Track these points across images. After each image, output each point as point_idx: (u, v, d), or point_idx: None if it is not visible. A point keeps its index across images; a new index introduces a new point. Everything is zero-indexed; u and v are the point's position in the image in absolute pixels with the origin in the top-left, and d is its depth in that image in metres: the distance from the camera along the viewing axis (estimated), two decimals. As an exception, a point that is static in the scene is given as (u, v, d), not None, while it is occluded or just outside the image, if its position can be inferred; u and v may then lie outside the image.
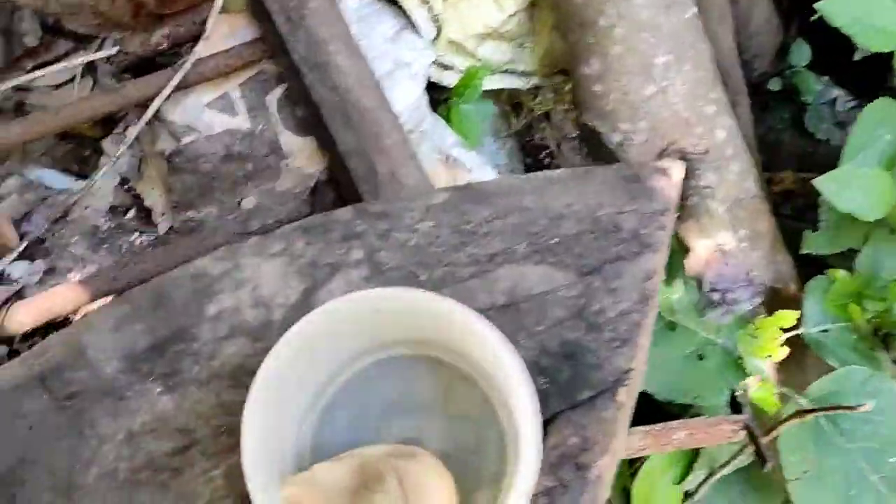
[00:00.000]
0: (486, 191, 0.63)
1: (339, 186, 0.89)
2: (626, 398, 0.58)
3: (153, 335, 0.61)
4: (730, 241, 0.82)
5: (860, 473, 0.85)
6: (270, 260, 0.63)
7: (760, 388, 0.94)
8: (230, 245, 0.63)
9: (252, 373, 0.59)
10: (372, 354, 0.59)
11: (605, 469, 0.57)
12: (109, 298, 0.86)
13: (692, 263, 0.84)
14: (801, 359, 1.02)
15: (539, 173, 0.63)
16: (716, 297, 0.83)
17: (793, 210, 1.13)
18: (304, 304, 0.61)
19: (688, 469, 0.89)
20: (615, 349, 0.59)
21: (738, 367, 0.94)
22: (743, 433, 0.83)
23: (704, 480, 0.91)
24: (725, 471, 0.88)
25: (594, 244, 0.61)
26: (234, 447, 0.58)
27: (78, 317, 0.87)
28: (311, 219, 0.64)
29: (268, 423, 0.53)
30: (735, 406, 0.94)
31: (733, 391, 0.86)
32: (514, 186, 0.63)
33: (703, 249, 0.82)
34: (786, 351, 0.93)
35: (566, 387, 0.58)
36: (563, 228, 0.62)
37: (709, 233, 0.83)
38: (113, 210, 0.93)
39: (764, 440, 0.78)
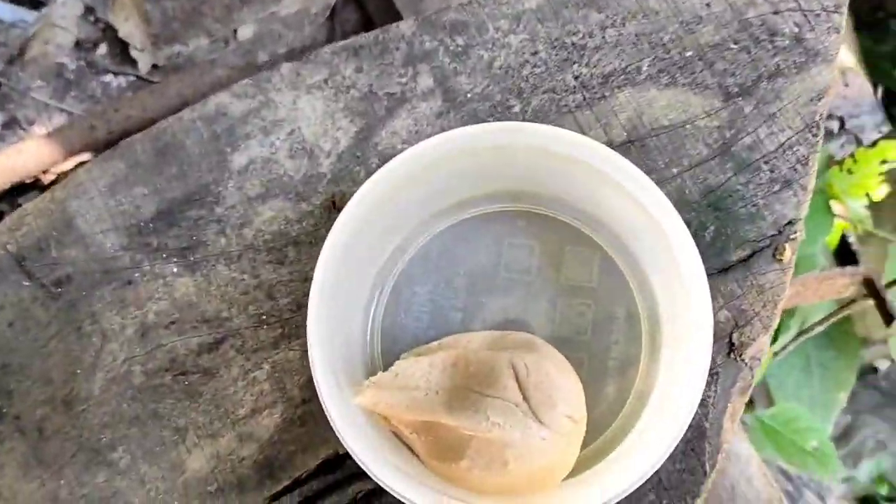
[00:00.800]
0: (596, -11, 0.47)
1: (365, 6, 0.72)
2: (792, 256, 0.45)
3: (161, 198, 0.46)
4: (848, 56, 0.67)
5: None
6: (310, 93, 0.47)
7: (852, 230, 0.82)
8: (255, 76, 0.47)
9: (296, 243, 0.45)
10: (457, 212, 0.45)
11: (763, 348, 0.45)
12: (89, 155, 0.70)
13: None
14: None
15: (663, -37, 0.47)
16: (834, 125, 0.69)
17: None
18: (359, 150, 0.46)
19: (777, 330, 0.78)
20: (775, 193, 0.45)
21: (831, 210, 0.82)
22: (852, 290, 0.72)
23: (792, 340, 0.80)
24: (819, 328, 0.78)
25: (743, 56, 0.46)
26: (280, 341, 0.44)
27: (50, 178, 0.71)
28: (361, 37, 0.47)
29: (335, 309, 0.39)
30: (839, 256, 0.83)
31: (844, 236, 0.74)
32: (632, -19, 0.47)
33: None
34: (886, 189, 0.80)
35: (713, 246, 0.45)
36: (700, 37, 0.46)
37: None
38: (80, 45, 0.75)
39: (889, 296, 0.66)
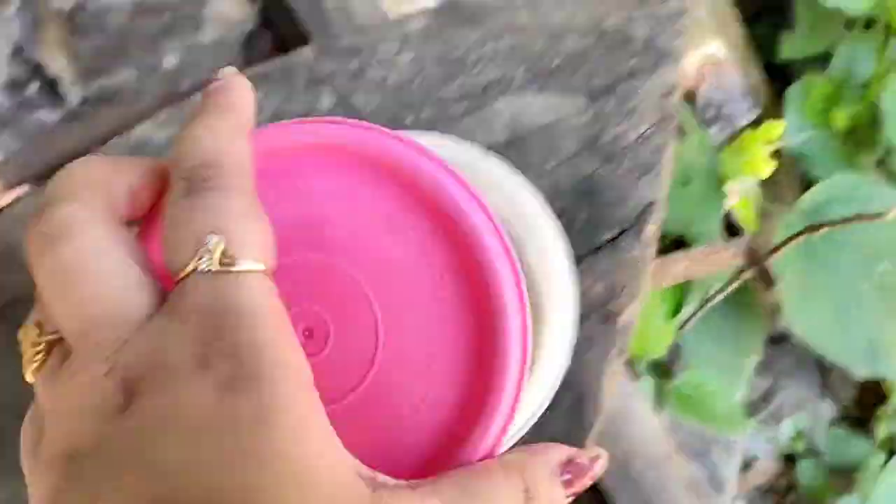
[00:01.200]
0: (473, 10, 0.53)
1: (277, 32, 0.77)
2: (653, 234, 0.51)
3: (95, 221, 0.51)
4: (721, 49, 0.74)
5: (851, 284, 0.82)
6: (223, 118, 0.52)
7: (743, 206, 0.90)
8: (175, 105, 0.52)
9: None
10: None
11: (633, 315, 0.51)
12: (25, 188, 0.74)
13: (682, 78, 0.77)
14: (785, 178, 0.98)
15: (529, -16, 0.54)
16: (710, 113, 0.76)
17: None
18: (272, 166, 0.52)
19: (680, 303, 0.86)
20: (637, 179, 0.52)
21: (722, 190, 0.90)
22: (738, 260, 0.79)
23: (696, 312, 0.88)
24: (718, 298, 0.85)
25: (603, 61, 0.53)
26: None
27: (-8, 213, 0.75)
28: (266, 64, 0.53)
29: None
30: (732, 231, 0.90)
31: (728, 213, 0.82)
32: (504, 1, 0.53)
33: (692, 61, 0.75)
34: (773, 165, 0.88)
35: (585, 229, 0.51)
36: (566, 46, 0.53)
37: (697, 41, 0.75)
38: (12, 85, 0.79)
39: (768, 262, 0.73)
